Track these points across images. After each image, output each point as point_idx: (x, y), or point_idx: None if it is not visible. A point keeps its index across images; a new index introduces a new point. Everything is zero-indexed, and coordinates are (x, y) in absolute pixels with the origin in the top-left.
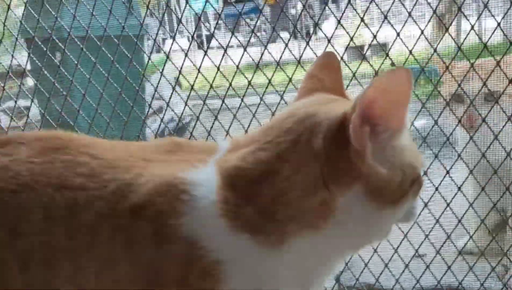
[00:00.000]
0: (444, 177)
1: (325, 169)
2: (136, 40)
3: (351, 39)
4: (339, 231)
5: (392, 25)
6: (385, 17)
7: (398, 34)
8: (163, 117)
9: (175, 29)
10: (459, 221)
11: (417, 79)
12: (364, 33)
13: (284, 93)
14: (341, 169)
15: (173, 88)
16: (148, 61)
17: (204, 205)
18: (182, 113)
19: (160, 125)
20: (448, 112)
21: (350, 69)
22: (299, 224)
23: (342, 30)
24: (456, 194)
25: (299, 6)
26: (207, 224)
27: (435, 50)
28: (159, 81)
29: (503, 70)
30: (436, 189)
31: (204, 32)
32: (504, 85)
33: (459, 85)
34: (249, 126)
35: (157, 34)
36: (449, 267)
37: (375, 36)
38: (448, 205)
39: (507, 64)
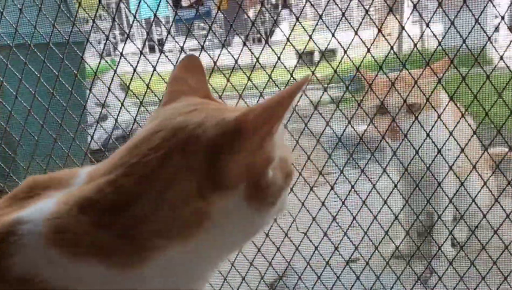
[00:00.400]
0: (372, 189)
1: (205, 179)
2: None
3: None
4: (217, 237)
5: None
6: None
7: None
8: (95, 124)
9: (125, 33)
10: (386, 232)
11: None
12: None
13: (240, 97)
14: (226, 177)
15: (126, 93)
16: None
17: (31, 240)
18: (133, 124)
19: (110, 132)
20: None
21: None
22: (167, 238)
23: (292, 36)
24: (383, 205)
25: (251, 12)
26: (39, 257)
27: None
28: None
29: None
30: (364, 202)
31: (156, 37)
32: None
33: (381, 101)
34: None
35: (107, 39)
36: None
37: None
38: (375, 217)
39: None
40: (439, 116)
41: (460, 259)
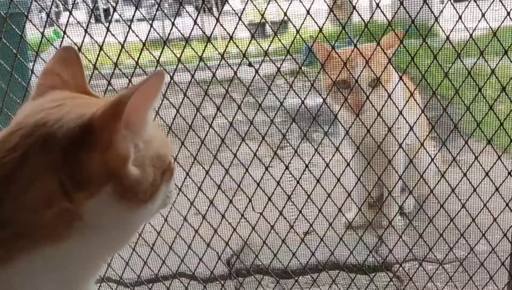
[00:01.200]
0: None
1: (66, 178)
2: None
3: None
4: (93, 237)
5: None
6: None
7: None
8: None
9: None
10: (339, 210)
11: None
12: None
13: (196, 71)
14: (87, 175)
15: None
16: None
17: None
18: None
19: None
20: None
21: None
22: (32, 239)
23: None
24: (336, 184)
25: None
26: None
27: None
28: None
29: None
30: (318, 181)
31: (102, 6)
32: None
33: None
34: (159, 106)
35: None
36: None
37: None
38: (329, 195)
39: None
40: (389, 96)
41: (409, 230)
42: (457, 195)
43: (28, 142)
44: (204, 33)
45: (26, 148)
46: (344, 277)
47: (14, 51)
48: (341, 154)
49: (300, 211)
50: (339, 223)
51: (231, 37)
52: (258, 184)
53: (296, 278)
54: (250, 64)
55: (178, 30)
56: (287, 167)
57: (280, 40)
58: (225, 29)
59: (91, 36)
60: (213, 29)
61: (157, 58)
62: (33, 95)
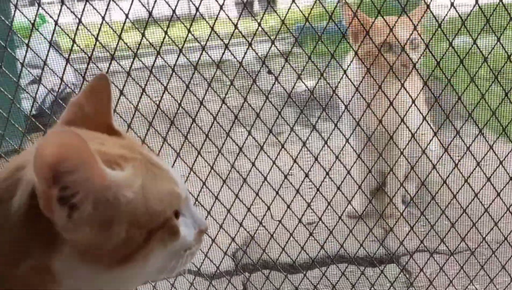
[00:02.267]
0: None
1: (26, 233)
2: None
3: None
4: None
5: None
6: None
7: None
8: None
9: None
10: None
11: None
12: None
13: (181, 51)
14: (41, 234)
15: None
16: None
17: None
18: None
19: (35, 97)
20: None
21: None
22: None
23: None
24: (334, 162)
25: None
26: None
27: None
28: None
29: None
30: (316, 159)
31: None
32: None
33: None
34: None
35: None
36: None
37: None
38: (338, 189)
39: None
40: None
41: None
42: (470, 184)
43: (4, 185)
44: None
45: (2, 191)
46: (351, 269)
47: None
48: (351, 145)
49: (309, 205)
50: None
51: (236, 26)
52: (265, 178)
53: (304, 273)
54: (269, 72)
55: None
56: (295, 161)
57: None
58: (227, 15)
59: (71, 11)
60: (199, 5)
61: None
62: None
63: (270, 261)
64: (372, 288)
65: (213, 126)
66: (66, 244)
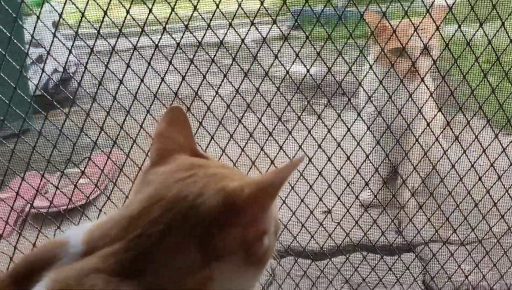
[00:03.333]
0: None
1: (206, 250)
2: None
3: None
4: None
5: None
6: None
7: None
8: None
9: None
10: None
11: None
12: None
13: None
14: (225, 247)
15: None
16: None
17: None
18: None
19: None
20: None
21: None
22: None
23: None
24: (356, 147)
25: None
26: None
27: None
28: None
29: None
30: (339, 144)
31: None
32: None
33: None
34: (145, 72)
35: None
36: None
37: None
38: (348, 158)
39: None
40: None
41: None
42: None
43: (170, 216)
44: None
45: (169, 222)
46: (371, 257)
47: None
48: (371, 132)
49: (320, 199)
50: (355, 204)
51: (239, 5)
52: (272, 162)
53: (329, 258)
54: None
55: None
56: (300, 147)
57: None
58: None
59: None
60: None
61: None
62: (152, 161)
63: (296, 248)
64: (390, 272)
65: (221, 111)
66: (241, 251)
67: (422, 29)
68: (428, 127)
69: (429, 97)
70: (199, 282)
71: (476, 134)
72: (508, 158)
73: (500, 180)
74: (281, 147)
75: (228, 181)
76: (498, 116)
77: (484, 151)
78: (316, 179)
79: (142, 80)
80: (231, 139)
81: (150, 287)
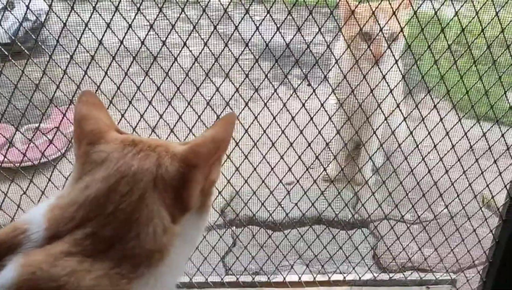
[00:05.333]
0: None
1: (176, 209)
2: None
3: None
4: (183, 247)
5: None
6: None
7: None
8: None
9: None
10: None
11: None
12: None
13: None
14: (191, 201)
15: None
16: None
17: None
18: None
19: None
20: None
21: None
22: (150, 263)
23: None
24: (326, 123)
25: None
26: None
27: None
28: None
29: None
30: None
31: None
32: None
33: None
34: (110, 21)
35: None
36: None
37: None
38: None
39: None
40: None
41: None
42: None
43: (140, 187)
44: None
45: (141, 192)
46: (321, 228)
47: None
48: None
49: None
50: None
51: None
52: (246, 131)
53: (284, 232)
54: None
55: None
56: (274, 118)
57: None
58: None
59: None
60: None
61: None
62: (91, 140)
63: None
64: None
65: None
66: (199, 202)
67: (386, 12)
68: (397, 108)
69: (399, 82)
70: (168, 239)
71: (442, 117)
72: (469, 142)
73: (454, 150)
74: (246, 104)
75: (174, 148)
76: (464, 102)
77: (447, 133)
78: (287, 150)
79: (108, 25)
80: (208, 105)
81: (126, 253)
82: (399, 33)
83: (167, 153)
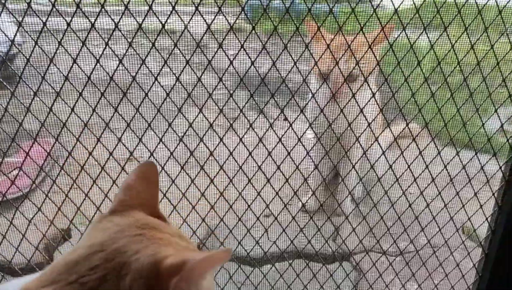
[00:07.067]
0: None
1: None
2: None
3: None
4: None
5: None
6: None
7: None
8: None
9: None
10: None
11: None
12: None
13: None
14: None
15: None
16: None
17: None
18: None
19: None
20: None
21: None
22: None
23: None
24: (303, 159)
25: None
26: None
27: None
28: None
29: None
30: (289, 153)
31: None
32: None
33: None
34: (78, 54)
35: None
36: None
37: None
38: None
39: None
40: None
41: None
42: (422, 191)
43: (108, 266)
44: None
45: (105, 273)
46: (301, 263)
47: None
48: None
49: (267, 206)
50: (296, 208)
51: None
52: (221, 167)
53: (259, 267)
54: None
55: None
56: (250, 154)
57: None
58: None
59: None
60: None
61: None
62: (114, 209)
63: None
64: (322, 288)
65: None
66: None
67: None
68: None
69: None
70: None
71: (421, 150)
72: (449, 175)
73: (434, 183)
74: (221, 139)
75: (167, 249)
76: (435, 123)
77: (427, 167)
78: (264, 186)
79: (75, 61)
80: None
81: None
82: (374, 68)
83: (156, 248)
